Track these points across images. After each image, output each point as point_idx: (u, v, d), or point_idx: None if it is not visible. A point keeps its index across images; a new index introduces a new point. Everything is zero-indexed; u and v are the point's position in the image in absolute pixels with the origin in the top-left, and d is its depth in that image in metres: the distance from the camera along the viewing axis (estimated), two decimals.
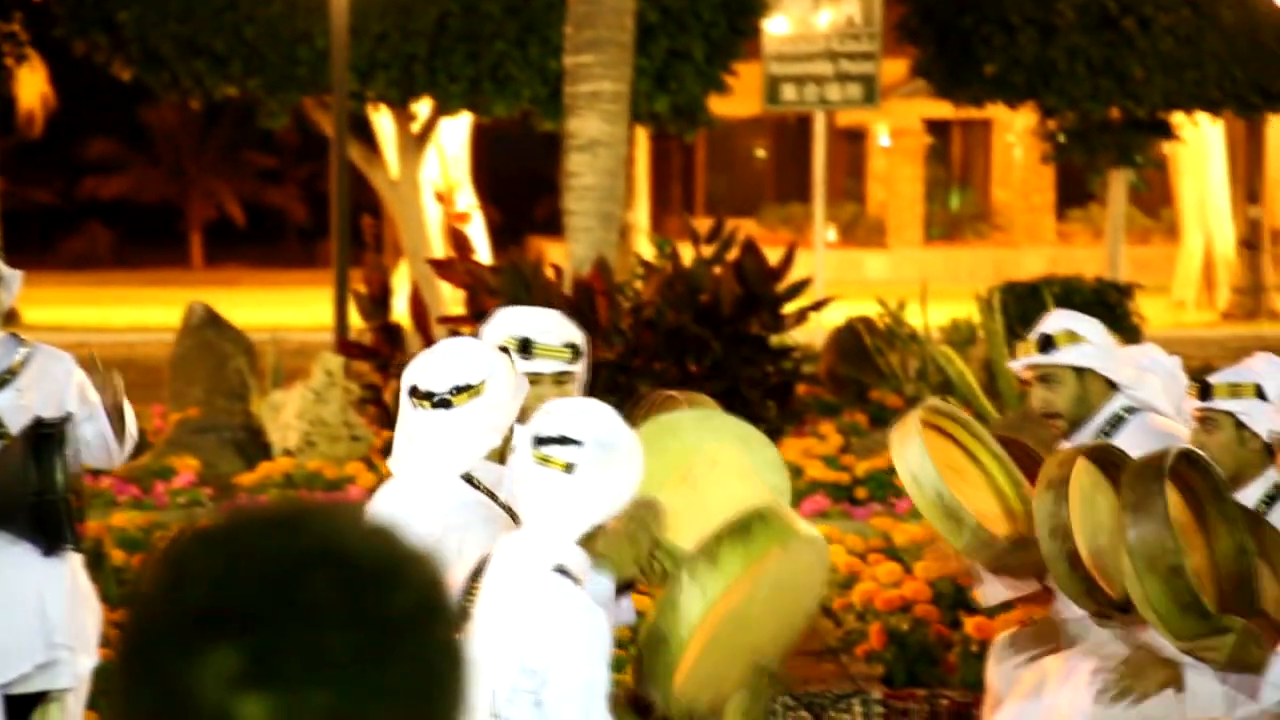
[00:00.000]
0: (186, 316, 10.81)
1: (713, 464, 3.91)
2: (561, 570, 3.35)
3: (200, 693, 1.32)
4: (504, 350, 4.40)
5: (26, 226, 36.54)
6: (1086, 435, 5.01)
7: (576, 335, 4.58)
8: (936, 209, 34.42)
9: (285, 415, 9.38)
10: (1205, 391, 4.57)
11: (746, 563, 3.49)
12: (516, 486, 3.42)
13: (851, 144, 36.82)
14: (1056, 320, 5.06)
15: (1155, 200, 29.49)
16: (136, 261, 37.64)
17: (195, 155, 40.78)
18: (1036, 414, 5.22)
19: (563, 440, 3.36)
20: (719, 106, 20.26)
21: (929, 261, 30.57)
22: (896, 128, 33.25)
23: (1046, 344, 4.92)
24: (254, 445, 9.48)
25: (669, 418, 4.14)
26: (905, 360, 11.85)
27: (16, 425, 5.18)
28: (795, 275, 11.29)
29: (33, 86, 23.30)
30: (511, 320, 4.58)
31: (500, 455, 3.83)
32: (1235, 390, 4.53)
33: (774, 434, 10.28)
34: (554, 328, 4.55)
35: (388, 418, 10.50)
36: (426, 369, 3.89)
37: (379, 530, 1.42)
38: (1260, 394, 4.50)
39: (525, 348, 4.47)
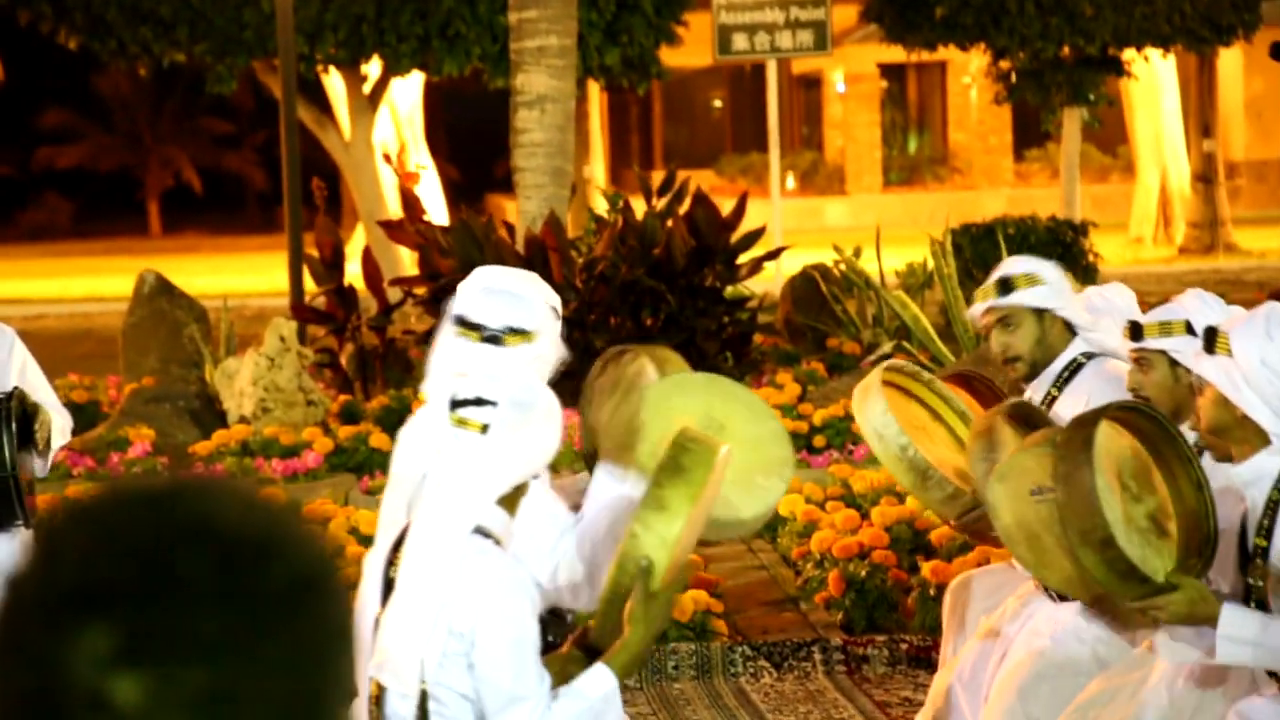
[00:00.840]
0: (138, 286, 10.74)
1: (720, 429, 3.92)
2: (482, 531, 3.34)
3: (73, 673, 1.30)
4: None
5: None
6: (1043, 382, 5.02)
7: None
8: (894, 153, 34.41)
9: (240, 382, 9.33)
10: (1136, 332, 4.57)
11: (691, 497, 3.50)
12: (435, 450, 3.40)
13: (808, 91, 36.75)
14: (1015, 263, 5.05)
15: (1113, 138, 29.53)
16: (95, 231, 37.43)
17: (150, 123, 40.51)
18: (993, 358, 5.23)
19: (478, 401, 3.33)
20: (673, 58, 20.18)
21: (888, 206, 30.57)
22: (852, 73, 33.19)
23: (1005, 286, 4.91)
24: (209, 413, 9.44)
25: (681, 377, 4.14)
26: (863, 307, 11.85)
27: None
28: (753, 225, 11.28)
29: None
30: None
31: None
32: (1166, 329, 4.52)
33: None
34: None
35: (344, 381, 10.47)
36: (481, 302, 3.83)
37: (257, 504, 1.40)
38: (1191, 330, 4.50)
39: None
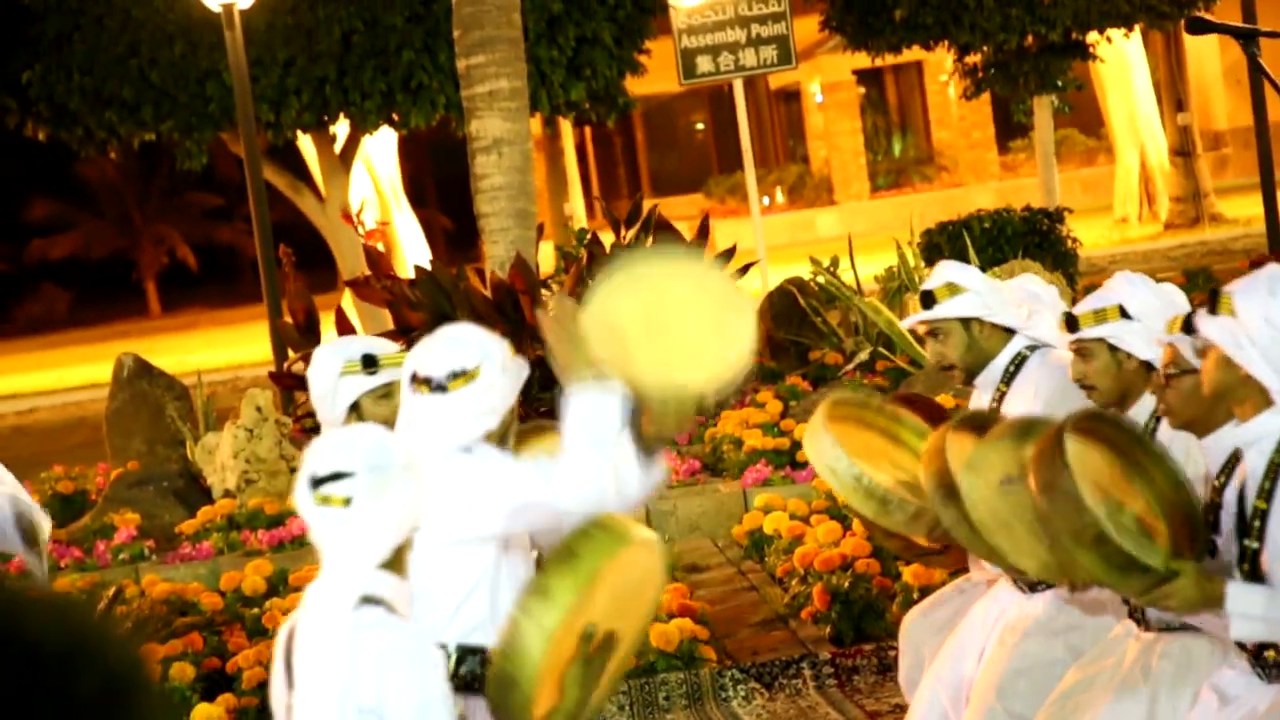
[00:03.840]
0: (116, 370, 10.75)
1: (660, 330, 3.93)
2: (371, 600, 3.31)
3: None
4: (351, 373, 4.45)
5: None
6: (989, 380, 5.01)
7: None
8: (879, 158, 34.41)
9: (221, 457, 9.33)
10: (1072, 324, 4.56)
11: (577, 587, 3.49)
12: (310, 529, 3.38)
13: (788, 105, 36.81)
14: (936, 274, 5.05)
15: (1094, 120, 29.51)
16: (94, 318, 37.52)
17: (139, 204, 40.66)
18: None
19: (335, 476, 3.30)
20: (648, 85, 20.17)
21: (878, 211, 30.55)
22: (829, 83, 33.22)
23: (928, 300, 4.92)
24: (194, 491, 9.44)
25: (613, 281, 4.01)
26: (845, 317, 11.82)
27: None
28: (743, 243, 11.27)
29: None
30: (349, 343, 4.70)
31: (499, 438, 4.00)
32: (1100, 316, 4.52)
33: (715, 407, 10.26)
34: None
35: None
36: (424, 356, 4.04)
37: (67, 614, 1.39)
38: (1124, 314, 4.48)
39: (370, 363, 4.56)
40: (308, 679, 3.32)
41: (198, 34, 15.84)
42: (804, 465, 9.00)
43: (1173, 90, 22.80)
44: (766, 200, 33.27)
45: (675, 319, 3.95)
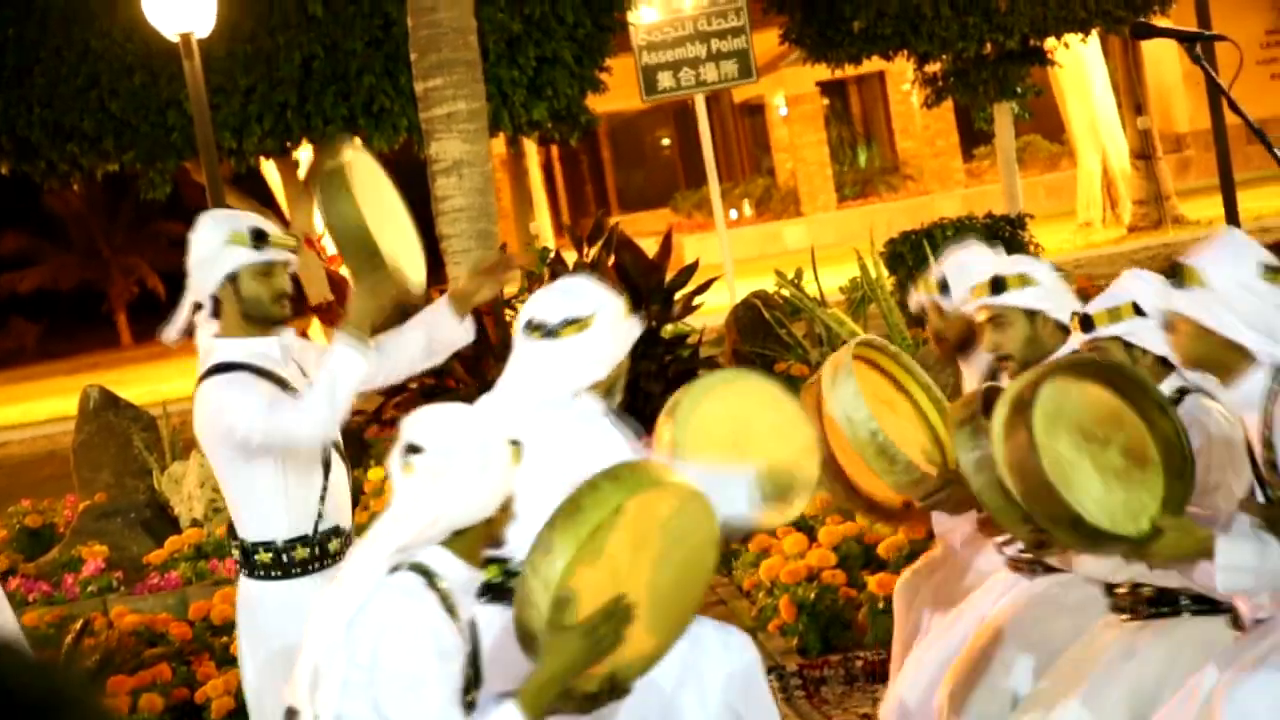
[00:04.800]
0: (83, 402, 10.73)
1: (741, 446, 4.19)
2: (421, 570, 3.42)
3: None
4: (237, 244, 4.57)
5: None
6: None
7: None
8: (845, 169, 34.49)
9: (187, 486, 9.32)
10: (1087, 323, 4.58)
11: (578, 540, 3.50)
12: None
13: (752, 118, 36.89)
14: (1010, 263, 5.06)
15: (1056, 126, 29.66)
16: (65, 350, 37.39)
17: (107, 235, 40.54)
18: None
19: (412, 448, 3.46)
20: (612, 102, 20.19)
21: (845, 222, 30.63)
22: (792, 95, 33.30)
23: (998, 285, 4.92)
24: (162, 521, 9.42)
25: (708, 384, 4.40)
26: (811, 328, 11.86)
27: None
28: (698, 259, 11.29)
29: None
30: (238, 216, 4.75)
31: (605, 390, 4.23)
32: (1115, 314, 4.52)
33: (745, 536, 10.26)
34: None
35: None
36: (540, 302, 4.27)
37: (44, 668, 1.40)
38: (1139, 310, 4.51)
39: (259, 238, 4.61)
40: (318, 615, 3.43)
41: (158, 64, 15.83)
42: None
43: (1132, 94, 22.92)
44: (734, 214, 33.32)
45: (758, 442, 4.11)
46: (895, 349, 5.02)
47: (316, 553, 4.62)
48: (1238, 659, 3.97)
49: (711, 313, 13.38)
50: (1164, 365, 4.46)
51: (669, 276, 10.93)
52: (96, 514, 9.52)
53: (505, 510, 3.52)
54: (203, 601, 7.89)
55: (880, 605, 6.70)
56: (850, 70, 19.06)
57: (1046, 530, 3.95)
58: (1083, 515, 3.80)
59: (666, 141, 39.65)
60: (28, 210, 38.28)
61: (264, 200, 19.19)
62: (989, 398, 4.45)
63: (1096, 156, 23.65)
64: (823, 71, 19.50)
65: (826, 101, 34.35)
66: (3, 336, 40.32)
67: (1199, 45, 5.25)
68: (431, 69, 10.68)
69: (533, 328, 4.23)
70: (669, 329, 10.77)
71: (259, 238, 4.60)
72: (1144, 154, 23.00)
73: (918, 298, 5.44)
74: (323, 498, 4.65)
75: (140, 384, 22.93)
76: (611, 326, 4.26)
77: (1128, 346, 4.52)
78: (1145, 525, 3.85)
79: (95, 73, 16.17)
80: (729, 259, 17.00)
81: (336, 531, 4.68)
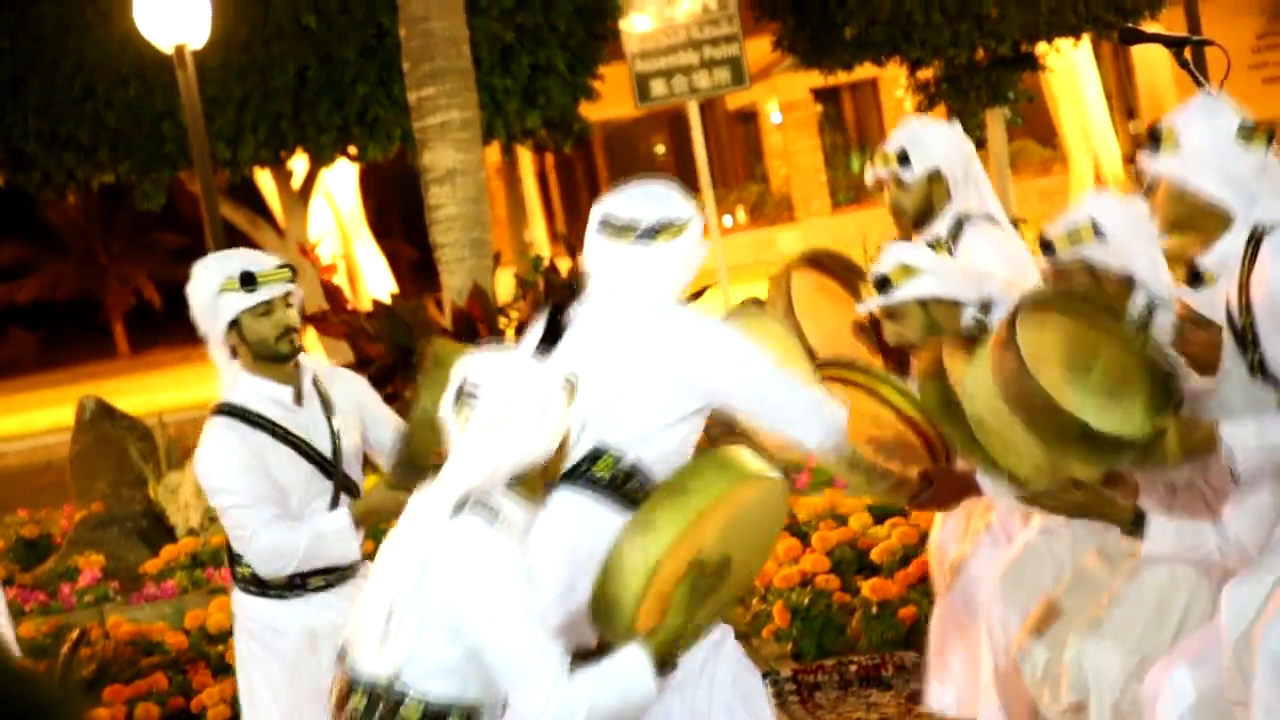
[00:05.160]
0: (79, 412, 10.76)
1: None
2: (485, 507, 3.45)
3: None
4: (229, 291, 4.62)
5: None
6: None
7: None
8: (839, 175, 34.54)
9: (184, 495, 9.35)
10: (1047, 248, 4.60)
11: (683, 523, 3.56)
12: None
13: (746, 125, 36.94)
14: (889, 257, 5.11)
15: (1049, 131, 29.70)
16: (62, 360, 37.37)
17: (104, 244, 40.55)
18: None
19: (467, 394, 3.49)
20: (605, 110, 20.23)
21: (840, 227, 30.67)
22: (786, 102, 33.37)
23: (883, 284, 4.98)
24: (158, 530, 9.45)
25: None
26: None
27: None
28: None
29: None
30: (227, 259, 4.79)
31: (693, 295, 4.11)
32: (1074, 237, 4.55)
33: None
34: (266, 257, 4.80)
35: None
36: (627, 203, 4.17)
37: (27, 674, 1.43)
38: (1098, 231, 4.53)
39: (248, 281, 4.64)
40: (377, 566, 3.48)
41: (152, 74, 15.87)
42: None
43: (1123, 98, 22.99)
44: (728, 220, 33.36)
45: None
46: (861, 363, 4.98)
47: (297, 581, 4.63)
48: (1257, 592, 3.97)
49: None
50: (1129, 284, 4.50)
51: None
52: (93, 524, 9.55)
53: (561, 449, 3.58)
54: (199, 610, 7.92)
55: (874, 610, 6.74)
56: (843, 77, 19.08)
57: (1057, 455, 3.95)
58: (1089, 423, 3.84)
59: (661, 149, 39.70)
60: (25, 220, 38.29)
61: (259, 210, 19.23)
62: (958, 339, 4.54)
63: (1089, 161, 23.70)
64: (816, 78, 19.54)
65: (820, 108, 34.41)
66: (1, 346, 40.31)
67: (1187, 50, 5.29)
68: (424, 78, 10.71)
69: (620, 229, 4.14)
70: None
71: (248, 281, 4.64)
72: (1136, 158, 23.05)
73: (876, 172, 5.44)
74: None
75: (137, 394, 22.95)
76: (700, 233, 4.21)
77: (1090, 270, 4.55)
78: (1148, 428, 3.89)
79: (90, 83, 16.21)
80: (723, 265, 17.04)
81: (325, 570, 4.67)
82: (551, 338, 4.26)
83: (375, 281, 21.07)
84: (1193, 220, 4.00)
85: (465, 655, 3.41)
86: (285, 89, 16.27)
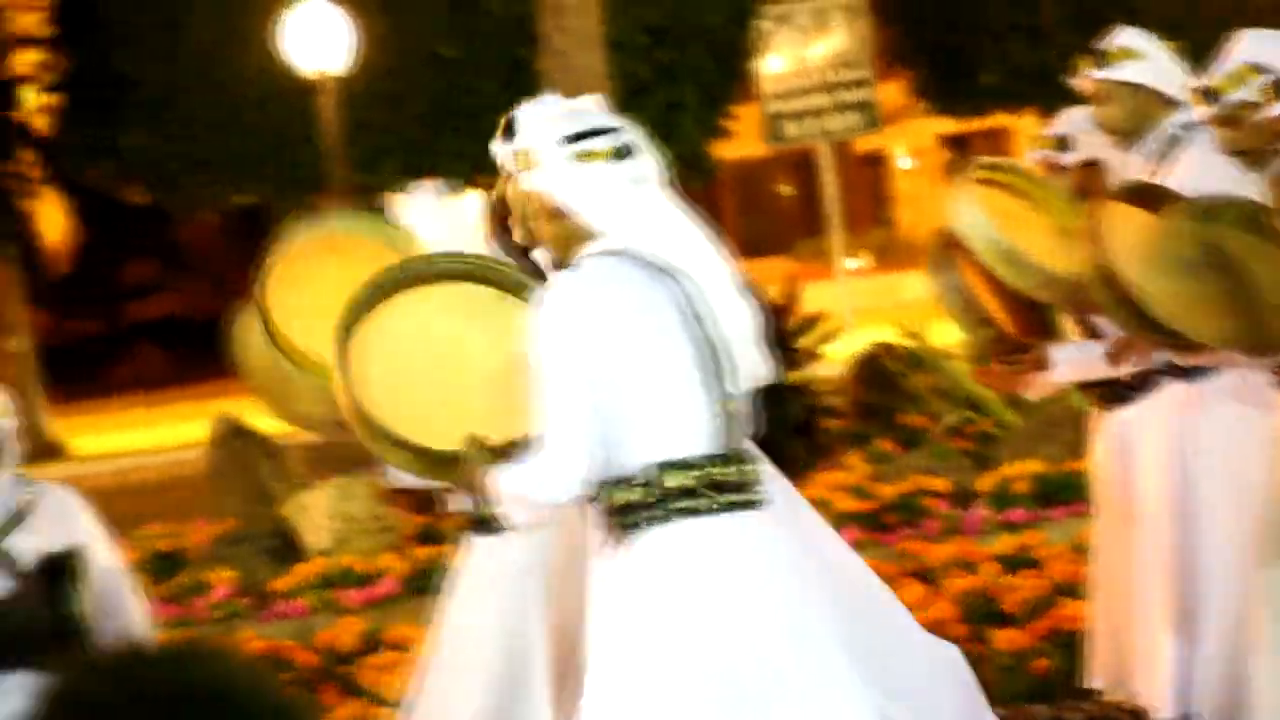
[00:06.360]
0: (213, 430, 10.95)
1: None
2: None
3: None
4: None
5: (76, 358, 36.93)
6: (1146, 152, 5.11)
7: None
8: None
9: (315, 514, 9.47)
10: (1211, 95, 4.61)
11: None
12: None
13: (873, 169, 36.87)
14: (1114, 37, 5.13)
15: None
16: (190, 378, 37.89)
17: (237, 264, 41.18)
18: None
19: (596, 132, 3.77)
20: (735, 149, 20.30)
21: None
22: (914, 147, 33.29)
23: (1101, 59, 5.02)
24: (288, 549, 9.57)
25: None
26: (936, 380, 11.83)
27: (29, 564, 5.27)
28: (821, 309, 11.32)
29: (54, 222, 23.64)
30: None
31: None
32: (1237, 79, 4.56)
33: (803, 471, 10.27)
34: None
35: (421, 502, 10.55)
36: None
37: (265, 677, 1.47)
38: (1259, 70, 4.58)
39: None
40: None
41: (293, 100, 16.14)
42: (892, 528, 9.02)
43: None
44: (853, 263, 33.32)
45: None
46: (1019, 167, 5.12)
47: None
48: None
49: (831, 362, 13.39)
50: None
51: (792, 324, 10.96)
52: (226, 540, 9.69)
53: None
54: (328, 630, 8.00)
55: (1007, 661, 6.68)
56: (975, 124, 19.05)
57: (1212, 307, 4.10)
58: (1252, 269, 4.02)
59: (785, 190, 39.70)
60: (158, 240, 38.96)
61: None
62: (1132, 191, 4.60)
63: None
64: (946, 124, 19.51)
65: (948, 155, 34.29)
66: (130, 363, 40.97)
67: None
68: None
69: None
70: (792, 377, 10.79)
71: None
72: None
73: (1032, 155, 5.48)
74: None
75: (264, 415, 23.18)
76: None
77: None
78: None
79: (233, 107, 16.51)
80: (848, 309, 17.00)
81: None
82: None
83: None
84: None
85: None
86: (421, 117, 16.49)
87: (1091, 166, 5.34)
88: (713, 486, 3.66)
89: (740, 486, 3.72)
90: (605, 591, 3.64)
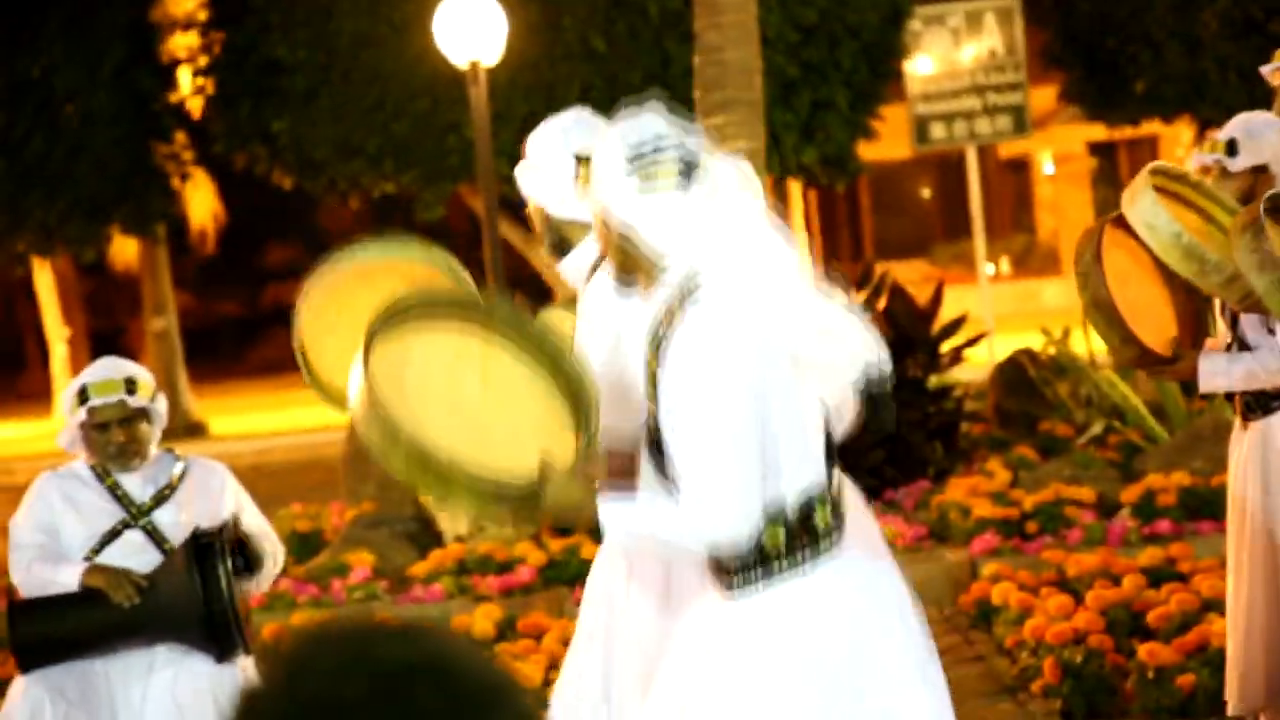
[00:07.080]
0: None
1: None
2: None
3: None
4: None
5: (216, 339, 37.48)
6: None
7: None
8: None
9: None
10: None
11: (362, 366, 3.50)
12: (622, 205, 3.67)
13: (1016, 174, 36.45)
14: (1235, 124, 5.31)
15: None
16: None
17: None
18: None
19: (654, 150, 3.63)
20: (877, 150, 20.15)
21: None
22: (1060, 154, 32.87)
23: (1231, 148, 5.19)
24: (426, 535, 9.63)
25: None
26: (1075, 389, 11.68)
27: (178, 539, 5.32)
28: (964, 312, 11.24)
29: (202, 204, 24.00)
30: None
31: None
32: None
33: (941, 475, 10.20)
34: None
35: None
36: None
37: (488, 656, 1.47)
38: None
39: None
40: None
41: (442, 89, 16.24)
42: (1033, 536, 8.91)
43: None
44: (992, 268, 32.98)
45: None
46: (1196, 178, 5.13)
47: None
48: None
49: (970, 367, 13.26)
50: None
51: (936, 327, 10.88)
52: (365, 523, 9.77)
53: None
54: (464, 616, 8.04)
55: (1150, 675, 6.57)
56: (1125, 132, 18.76)
57: None
58: None
59: (926, 192, 39.39)
60: (299, 225, 39.45)
61: (531, 228, 19.52)
62: (1274, 204, 4.55)
63: None
64: (1092, 131, 19.24)
65: (1094, 162, 33.83)
66: (267, 346, 41.52)
67: None
68: (715, 107, 10.78)
69: None
70: (934, 380, 10.70)
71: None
72: None
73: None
74: None
75: None
76: None
77: None
78: None
79: (382, 95, 16.66)
80: (990, 315, 16.82)
81: None
82: None
83: None
84: None
85: None
86: (569, 109, 16.52)
87: (1262, 172, 5.26)
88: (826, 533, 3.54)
89: (836, 529, 3.58)
90: (723, 635, 3.52)
